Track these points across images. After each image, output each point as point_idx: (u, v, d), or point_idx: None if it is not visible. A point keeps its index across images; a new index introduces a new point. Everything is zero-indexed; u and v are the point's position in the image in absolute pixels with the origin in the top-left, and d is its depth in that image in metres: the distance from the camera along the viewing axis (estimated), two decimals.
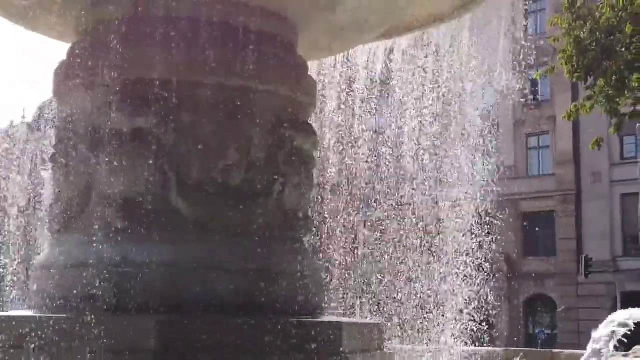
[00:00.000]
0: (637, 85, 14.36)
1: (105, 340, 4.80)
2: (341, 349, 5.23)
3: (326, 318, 5.99)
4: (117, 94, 5.33)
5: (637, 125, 19.20)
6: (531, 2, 40.12)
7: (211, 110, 5.47)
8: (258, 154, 5.61)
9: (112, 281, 5.16)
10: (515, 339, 35.64)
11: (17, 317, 5.14)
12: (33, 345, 4.91)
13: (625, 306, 9.79)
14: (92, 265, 5.27)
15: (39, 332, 4.90)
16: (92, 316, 4.94)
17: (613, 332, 6.28)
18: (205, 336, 4.91)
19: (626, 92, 14.59)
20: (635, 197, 23.65)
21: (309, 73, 6.29)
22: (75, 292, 5.25)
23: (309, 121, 6.19)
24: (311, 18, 6.03)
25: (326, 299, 6.51)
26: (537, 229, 38.76)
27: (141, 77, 5.39)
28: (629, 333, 7.13)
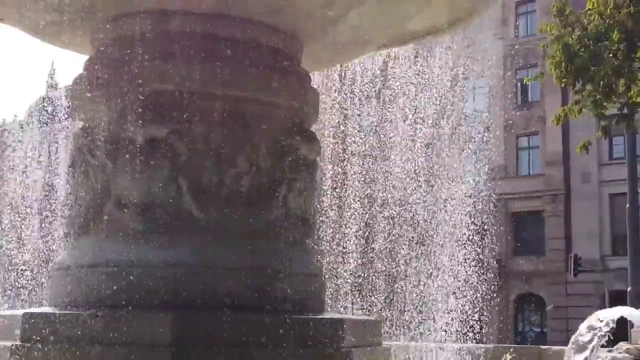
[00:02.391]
0: (623, 90, 14.77)
1: (123, 335, 5.18)
2: (343, 344, 5.60)
3: (328, 315, 6.37)
4: (134, 105, 5.69)
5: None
6: (521, 4, 40.60)
7: (222, 121, 5.83)
8: (265, 161, 5.97)
9: (129, 280, 5.52)
10: (505, 337, 36.08)
11: (42, 313, 5.47)
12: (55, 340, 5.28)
13: (613, 305, 10.17)
14: (110, 265, 5.65)
15: (63, 328, 5.27)
16: (111, 312, 5.33)
17: (598, 330, 6.65)
18: (216, 331, 5.27)
19: (613, 97, 15.00)
20: (624, 197, 23.97)
21: (311, 84, 6.66)
22: (93, 290, 5.61)
23: (312, 129, 6.55)
24: (315, 34, 6.39)
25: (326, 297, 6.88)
26: (526, 228, 39.23)
27: (157, 89, 5.75)
28: (613, 329, 7.53)
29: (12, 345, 5.31)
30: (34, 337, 5.29)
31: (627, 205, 22.01)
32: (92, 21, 6.12)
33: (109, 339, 5.16)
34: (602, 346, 7.88)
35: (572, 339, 6.22)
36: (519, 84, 39.64)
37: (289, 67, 6.22)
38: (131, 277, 5.52)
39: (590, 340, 6.33)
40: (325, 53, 6.95)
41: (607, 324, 6.15)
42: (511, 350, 9.95)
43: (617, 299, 26.36)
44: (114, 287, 5.55)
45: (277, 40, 6.14)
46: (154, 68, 5.73)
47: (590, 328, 6.24)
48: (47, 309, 5.82)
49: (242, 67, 5.86)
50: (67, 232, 6.21)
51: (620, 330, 9.13)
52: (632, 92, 14.41)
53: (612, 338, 9.12)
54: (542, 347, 11.69)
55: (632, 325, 8.47)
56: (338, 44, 6.72)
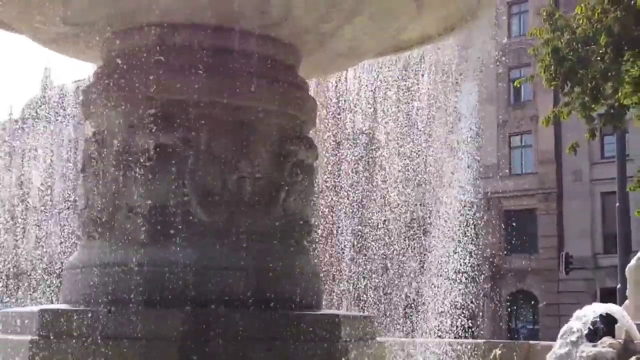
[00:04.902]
0: (611, 92, 15.15)
1: (134, 331, 5.52)
2: (340, 338, 5.95)
3: (326, 311, 6.72)
4: (144, 114, 6.02)
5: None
6: (514, 4, 40.95)
7: (226, 128, 6.17)
8: (266, 167, 6.30)
9: (140, 280, 5.84)
10: (498, 333, 36.44)
11: (58, 310, 5.81)
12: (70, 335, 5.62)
13: (604, 302, 10.51)
14: (121, 265, 5.97)
15: (77, 323, 5.61)
16: (123, 309, 5.67)
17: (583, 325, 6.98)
18: (222, 326, 5.62)
19: (601, 100, 15.38)
20: (615, 195, 24.32)
21: (309, 93, 7.02)
22: (106, 289, 5.94)
23: (309, 136, 6.91)
24: (313, 45, 6.74)
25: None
26: (519, 226, 39.59)
27: (165, 98, 6.08)
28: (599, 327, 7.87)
29: (29, 339, 5.63)
30: (50, 332, 5.62)
31: (617, 204, 22.34)
32: (102, 34, 6.45)
33: (121, 335, 5.50)
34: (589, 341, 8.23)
35: (552, 350, 6.53)
36: (511, 83, 39.98)
37: (288, 77, 6.56)
38: (140, 277, 5.84)
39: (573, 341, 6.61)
40: (322, 62, 7.29)
41: (586, 323, 6.46)
42: (501, 345, 10.31)
43: (609, 296, 26.72)
44: (125, 286, 5.88)
45: (277, 52, 6.49)
46: (161, 79, 6.05)
47: (570, 331, 6.52)
48: (61, 306, 6.16)
49: (244, 78, 6.19)
50: (80, 233, 6.55)
51: (610, 327, 9.48)
52: (619, 94, 14.77)
53: (602, 333, 9.49)
54: (531, 342, 12.06)
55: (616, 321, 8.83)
56: (335, 54, 7.07)
